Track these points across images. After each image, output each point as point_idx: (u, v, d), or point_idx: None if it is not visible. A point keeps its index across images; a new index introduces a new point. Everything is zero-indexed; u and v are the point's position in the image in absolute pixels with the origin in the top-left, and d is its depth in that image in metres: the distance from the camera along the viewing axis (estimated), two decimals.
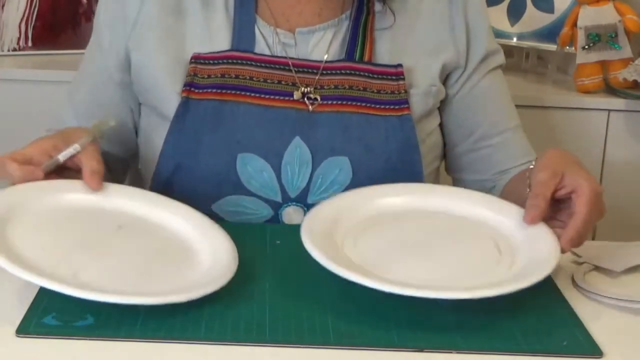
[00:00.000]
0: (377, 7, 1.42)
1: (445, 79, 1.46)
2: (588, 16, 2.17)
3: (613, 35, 2.16)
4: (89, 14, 2.30)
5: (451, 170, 1.53)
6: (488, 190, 1.48)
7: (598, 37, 2.17)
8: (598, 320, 1.08)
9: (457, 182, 1.53)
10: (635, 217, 2.22)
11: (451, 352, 1.00)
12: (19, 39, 2.22)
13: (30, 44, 2.23)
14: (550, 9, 2.32)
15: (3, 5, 2.22)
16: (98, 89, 1.46)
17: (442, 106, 1.47)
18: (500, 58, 1.50)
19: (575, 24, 2.19)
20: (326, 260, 1.08)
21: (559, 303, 1.11)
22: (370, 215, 1.22)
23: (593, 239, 2.20)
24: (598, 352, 1.01)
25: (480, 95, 1.46)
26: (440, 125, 1.48)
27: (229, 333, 1.01)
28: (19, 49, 2.23)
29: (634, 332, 1.08)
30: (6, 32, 2.22)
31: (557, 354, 1.01)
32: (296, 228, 1.32)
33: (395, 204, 1.24)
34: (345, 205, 1.22)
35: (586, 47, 2.17)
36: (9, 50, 2.22)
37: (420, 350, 1.00)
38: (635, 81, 2.14)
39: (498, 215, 1.21)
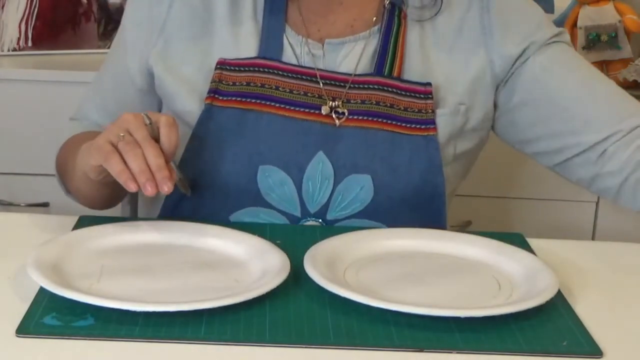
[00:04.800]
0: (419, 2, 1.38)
1: (493, 94, 1.39)
2: (588, 16, 2.18)
3: (613, 35, 2.17)
4: (89, 14, 2.30)
5: (554, 156, 1.40)
6: (626, 145, 1.35)
7: (598, 37, 2.17)
8: (598, 320, 1.08)
9: (565, 168, 1.41)
10: (635, 217, 2.22)
11: (451, 352, 1.00)
12: (19, 39, 2.22)
13: (30, 44, 2.23)
14: (550, 9, 2.32)
15: (3, 5, 2.22)
16: (119, 88, 1.44)
17: (511, 109, 1.40)
18: (564, 37, 1.41)
19: (575, 24, 2.19)
20: (320, 277, 1.10)
21: (558, 303, 1.11)
22: (375, 253, 1.22)
23: (593, 239, 2.21)
24: (598, 352, 1.01)
25: (552, 75, 1.38)
26: (518, 127, 1.40)
27: (228, 333, 1.01)
28: (19, 49, 2.23)
29: (634, 332, 1.08)
30: (6, 32, 2.22)
31: (557, 354, 1.01)
32: (296, 228, 1.33)
33: (402, 245, 1.24)
34: (351, 241, 1.23)
35: (586, 47, 2.17)
36: (9, 50, 2.22)
37: (420, 350, 1.00)
38: (635, 81, 2.14)
39: (500, 257, 1.21)
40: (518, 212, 2.17)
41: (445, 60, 1.38)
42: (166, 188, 1.15)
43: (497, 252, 1.22)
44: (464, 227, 2.15)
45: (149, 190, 1.15)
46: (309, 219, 1.34)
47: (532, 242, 1.31)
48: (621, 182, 1.35)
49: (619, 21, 2.17)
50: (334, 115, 1.33)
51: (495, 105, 1.41)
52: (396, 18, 1.39)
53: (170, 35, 1.39)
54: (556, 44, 1.40)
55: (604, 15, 2.18)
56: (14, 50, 2.22)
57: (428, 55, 1.38)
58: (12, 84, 2.11)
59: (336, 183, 1.33)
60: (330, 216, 1.34)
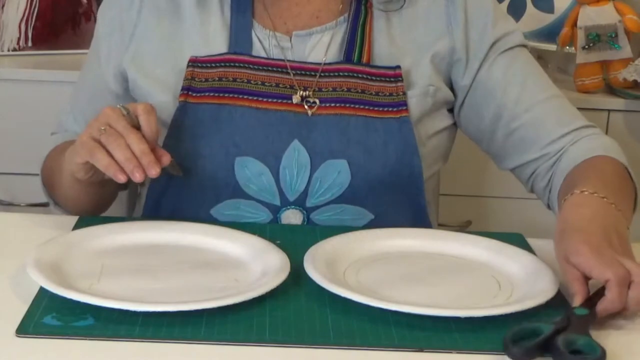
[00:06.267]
0: None
1: (449, 80, 1.43)
2: (588, 16, 2.17)
3: (613, 35, 2.17)
4: (89, 14, 2.30)
5: (501, 161, 1.47)
6: (548, 168, 1.40)
7: (598, 37, 2.17)
8: (598, 320, 1.08)
9: (514, 172, 1.47)
10: (635, 218, 2.22)
11: (451, 352, 1.00)
12: (19, 39, 2.22)
13: (30, 44, 2.23)
14: (550, 9, 2.32)
15: (3, 5, 2.22)
16: (96, 98, 1.45)
17: (462, 104, 1.44)
18: (514, 39, 1.45)
19: (575, 24, 2.19)
20: (321, 277, 1.10)
21: (558, 303, 1.11)
22: (375, 253, 1.22)
23: None
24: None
25: (496, 79, 1.42)
26: (469, 124, 1.45)
27: (229, 333, 1.01)
28: (19, 49, 2.23)
29: (634, 332, 1.08)
30: (6, 32, 2.22)
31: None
32: (296, 228, 1.33)
33: (402, 245, 1.25)
34: (351, 241, 1.23)
35: (586, 47, 2.17)
36: (9, 50, 2.22)
37: (420, 350, 1.00)
38: (635, 81, 2.14)
39: (500, 257, 1.21)
40: (518, 212, 2.17)
41: (412, 46, 1.41)
42: (154, 172, 1.19)
43: (497, 252, 1.22)
44: (464, 227, 2.15)
45: (137, 177, 1.18)
46: (289, 207, 1.35)
47: (532, 242, 1.31)
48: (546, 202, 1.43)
49: (619, 21, 2.17)
50: (305, 105, 1.35)
51: (454, 94, 1.44)
52: (363, 7, 1.41)
53: (141, 38, 1.41)
54: (513, 50, 1.44)
55: (604, 15, 2.17)
56: (14, 50, 2.22)
57: (395, 41, 1.41)
58: (12, 84, 2.11)
59: (313, 170, 1.34)
60: (309, 203, 1.35)
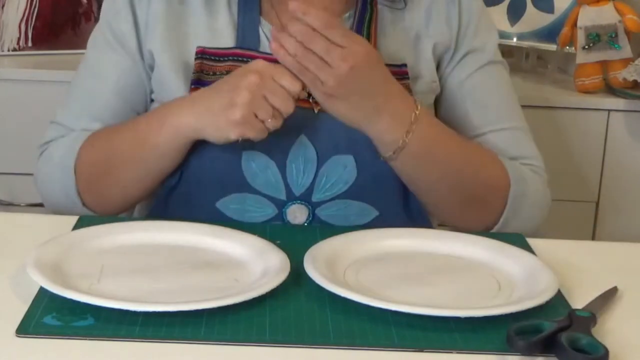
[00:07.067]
0: None
1: (437, 68, 1.45)
2: (588, 16, 2.18)
3: (613, 35, 2.17)
4: (89, 14, 2.30)
5: None
6: None
7: (598, 37, 2.17)
8: (598, 320, 1.08)
9: None
10: (635, 217, 2.22)
11: (451, 352, 1.00)
12: (19, 39, 2.22)
13: (30, 44, 2.23)
14: (550, 9, 2.32)
15: (3, 5, 2.22)
16: (125, 90, 1.42)
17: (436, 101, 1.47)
18: (489, 55, 1.46)
19: (575, 24, 2.19)
20: (320, 277, 1.10)
21: (558, 303, 1.11)
22: (375, 253, 1.22)
23: (593, 239, 2.21)
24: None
25: (460, 93, 1.44)
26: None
27: (229, 333, 1.01)
28: (19, 49, 2.23)
29: (634, 332, 1.08)
30: (6, 32, 2.22)
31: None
32: (296, 228, 1.33)
33: (402, 245, 1.24)
34: (351, 241, 1.23)
35: (586, 47, 2.17)
36: (9, 50, 2.22)
37: (420, 350, 1.00)
38: (635, 81, 2.14)
39: (500, 257, 1.21)
40: None
41: (415, 43, 1.42)
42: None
43: (497, 252, 1.22)
44: None
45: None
46: (294, 202, 1.35)
47: (532, 242, 1.31)
48: None
49: (619, 21, 2.17)
50: (311, 102, 1.35)
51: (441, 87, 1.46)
52: (368, 5, 1.42)
53: (153, 29, 1.40)
54: (485, 68, 1.46)
55: (604, 15, 2.18)
56: (14, 50, 2.22)
57: (400, 39, 1.42)
58: (12, 84, 2.11)
59: (319, 165, 1.34)
60: (315, 198, 1.35)
